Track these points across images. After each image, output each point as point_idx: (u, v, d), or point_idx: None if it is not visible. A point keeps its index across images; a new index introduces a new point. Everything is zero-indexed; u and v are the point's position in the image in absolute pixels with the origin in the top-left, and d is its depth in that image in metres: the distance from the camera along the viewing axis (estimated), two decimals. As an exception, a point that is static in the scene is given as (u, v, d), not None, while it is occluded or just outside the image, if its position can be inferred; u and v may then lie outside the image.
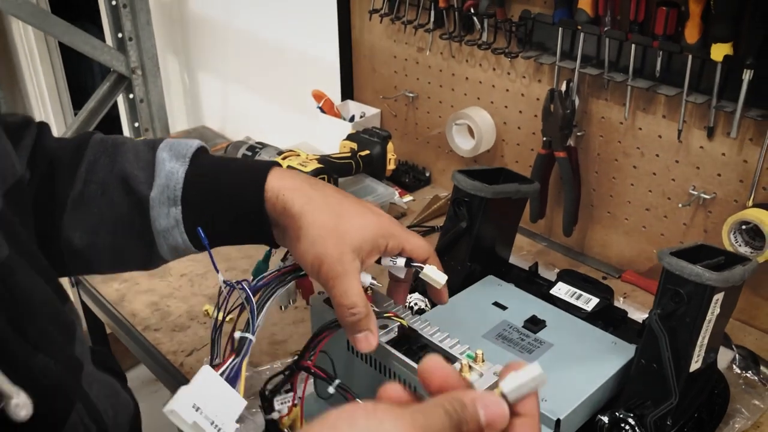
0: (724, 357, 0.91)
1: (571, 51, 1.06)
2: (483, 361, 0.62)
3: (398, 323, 0.66)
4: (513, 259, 1.06)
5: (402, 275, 0.72)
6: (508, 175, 0.97)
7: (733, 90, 0.90)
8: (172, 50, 2.20)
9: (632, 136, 1.06)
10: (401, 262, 0.69)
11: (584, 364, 0.80)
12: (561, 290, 0.93)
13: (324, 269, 0.63)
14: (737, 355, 0.90)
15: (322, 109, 1.41)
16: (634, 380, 0.78)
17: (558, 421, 0.72)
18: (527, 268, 1.01)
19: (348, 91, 1.48)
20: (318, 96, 1.40)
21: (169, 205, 0.67)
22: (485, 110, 1.23)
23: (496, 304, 0.91)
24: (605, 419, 0.76)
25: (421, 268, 0.69)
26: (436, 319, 0.87)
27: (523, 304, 0.90)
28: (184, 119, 2.29)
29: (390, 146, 1.31)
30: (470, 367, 0.61)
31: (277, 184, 0.66)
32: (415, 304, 0.95)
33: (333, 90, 1.48)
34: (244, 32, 1.88)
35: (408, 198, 1.36)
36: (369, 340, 0.63)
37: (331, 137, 1.37)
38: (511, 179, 0.96)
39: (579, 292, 0.92)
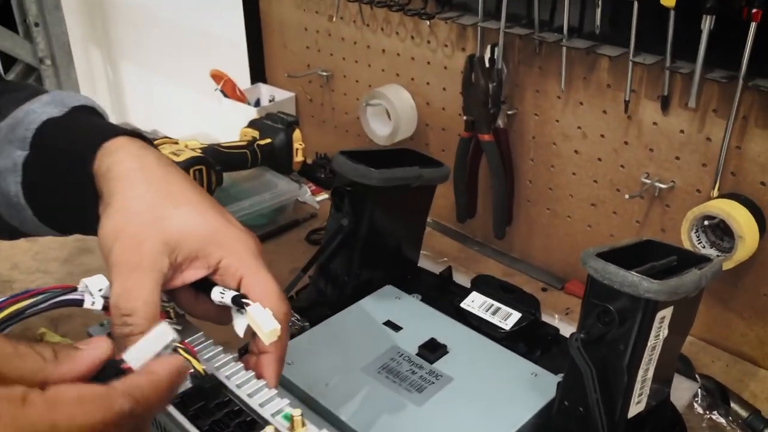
0: (684, 390, 0.70)
1: (497, 11, 0.86)
2: (303, 425, 0.41)
3: (192, 369, 0.45)
4: (432, 267, 0.85)
5: (240, 332, 0.50)
6: (412, 157, 0.77)
7: (690, 45, 0.70)
8: (92, 39, 1.99)
9: (572, 113, 0.86)
10: (228, 296, 0.48)
11: (491, 406, 0.59)
12: (474, 303, 0.72)
13: (116, 251, 0.45)
14: (700, 390, 0.69)
15: (223, 92, 1.20)
16: (556, 429, 0.58)
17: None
18: (439, 273, 0.81)
19: (259, 73, 1.28)
20: (217, 77, 1.19)
21: (14, 146, 0.55)
22: (404, 88, 1.03)
23: (388, 323, 0.70)
24: (514, 484, 0.56)
25: (246, 305, 0.48)
26: (307, 344, 0.67)
27: (422, 323, 0.69)
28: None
29: (297, 134, 1.10)
30: (284, 435, 0.41)
31: (119, 144, 0.53)
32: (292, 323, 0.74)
33: (242, 72, 1.28)
34: (164, 17, 1.67)
35: (323, 196, 1.15)
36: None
37: (233, 125, 1.16)
38: (416, 162, 0.75)
39: (496, 304, 0.71)
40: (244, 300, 0.48)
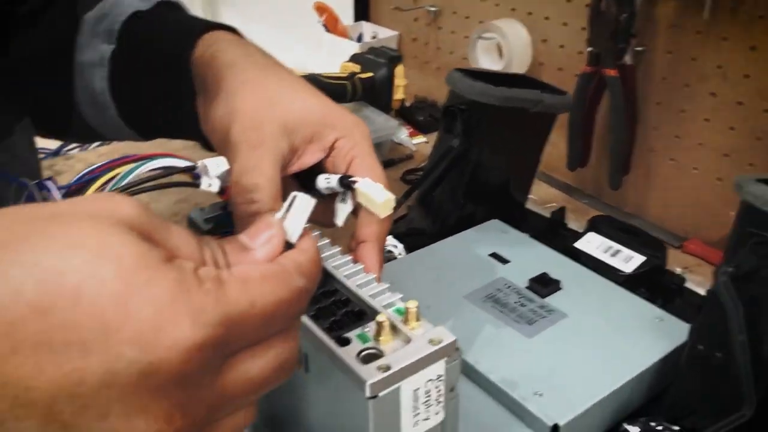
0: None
1: (635, -67, 0.78)
2: (417, 319, 0.37)
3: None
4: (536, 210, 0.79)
5: (341, 220, 0.46)
6: (531, 83, 0.70)
7: None
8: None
9: (713, 50, 0.77)
10: (335, 179, 0.44)
11: (609, 347, 0.53)
12: (591, 243, 0.66)
13: (235, 130, 0.42)
14: None
15: (325, 27, 1.16)
16: (686, 376, 0.51)
17: (555, 427, 0.46)
18: (549, 216, 0.74)
19: (362, 9, 1.23)
20: (320, 9, 1.15)
21: (100, 39, 0.54)
22: (520, 23, 0.96)
23: (494, 256, 0.64)
24: (634, 431, 0.49)
25: (354, 182, 0.43)
26: (406, 267, 0.62)
27: (532, 258, 0.63)
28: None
29: (399, 70, 1.05)
30: (394, 327, 0.36)
31: (218, 36, 0.50)
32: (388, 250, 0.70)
33: (346, 9, 1.24)
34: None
35: (420, 139, 1.10)
36: None
37: (333, 60, 1.12)
38: (535, 87, 0.69)
39: (616, 246, 0.65)
40: (351, 179, 0.44)
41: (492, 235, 0.67)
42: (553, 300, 0.58)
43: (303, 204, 0.35)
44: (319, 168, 0.46)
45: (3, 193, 0.50)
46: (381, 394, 0.34)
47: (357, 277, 0.41)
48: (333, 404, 0.38)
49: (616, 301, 0.58)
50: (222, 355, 0.27)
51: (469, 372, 0.52)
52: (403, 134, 1.08)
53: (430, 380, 0.36)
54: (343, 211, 0.45)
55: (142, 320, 0.24)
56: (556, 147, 0.92)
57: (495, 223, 0.69)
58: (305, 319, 0.38)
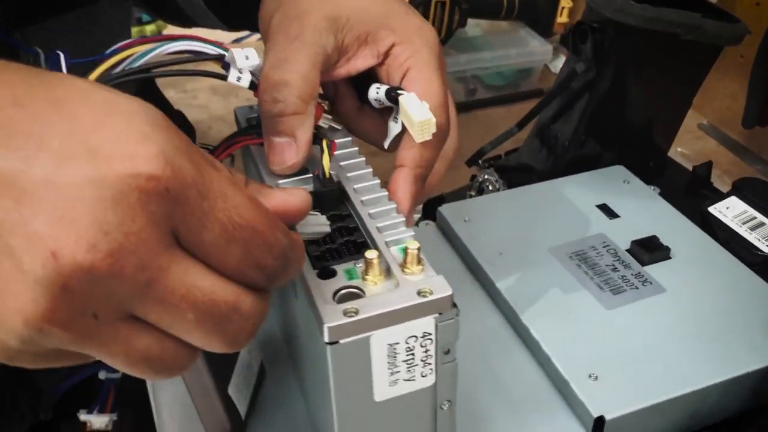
0: None
1: None
2: (418, 264, 0.30)
3: (317, 172, 0.36)
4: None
5: (390, 136, 0.40)
6: (692, 3, 0.57)
7: None
8: None
9: None
10: (384, 90, 0.38)
11: (705, 339, 0.42)
12: (729, 210, 0.53)
13: (275, 20, 0.38)
14: None
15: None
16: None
17: (600, 420, 0.38)
18: (691, 169, 0.62)
19: None
20: None
21: None
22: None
23: (603, 207, 0.54)
24: (712, 448, 0.40)
25: (399, 93, 0.37)
26: (494, 205, 0.55)
27: (648, 217, 0.53)
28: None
29: (567, -13, 0.93)
30: (387, 268, 0.30)
31: None
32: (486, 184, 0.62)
33: None
34: None
35: (581, 68, 0.97)
36: (284, 153, 0.36)
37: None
38: (697, 8, 0.55)
39: (761, 218, 0.52)
40: (399, 91, 0.37)
41: (609, 184, 0.57)
42: (654, 270, 0.48)
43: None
44: (374, 77, 0.40)
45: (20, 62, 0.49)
46: (343, 341, 0.29)
47: (375, 206, 0.35)
48: (310, 340, 0.33)
49: (739, 286, 0.47)
50: (172, 223, 0.23)
51: (524, 336, 0.44)
52: (561, 63, 0.96)
53: (413, 337, 0.30)
54: (392, 130, 0.39)
55: (110, 133, 0.22)
56: (729, 96, 0.77)
57: (617, 170, 0.59)
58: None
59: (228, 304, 0.25)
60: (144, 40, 0.37)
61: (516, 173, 0.61)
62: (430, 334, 0.30)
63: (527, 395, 0.41)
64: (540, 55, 0.90)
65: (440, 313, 0.30)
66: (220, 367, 0.37)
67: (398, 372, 0.31)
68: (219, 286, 0.24)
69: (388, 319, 0.29)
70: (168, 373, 0.25)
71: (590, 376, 0.40)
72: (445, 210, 0.55)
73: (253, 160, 0.39)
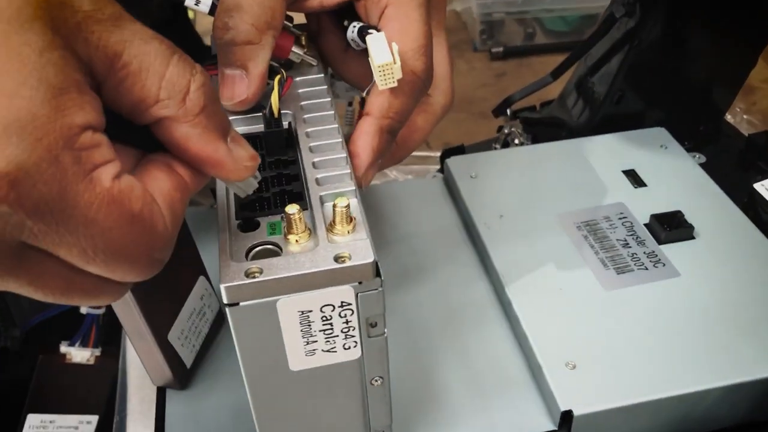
0: None
1: None
2: (348, 223, 0.27)
3: (268, 108, 0.32)
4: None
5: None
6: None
7: None
8: None
9: None
10: (356, 29, 0.34)
11: (711, 337, 0.37)
12: (776, 190, 0.46)
13: None
14: None
15: None
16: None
17: (566, 415, 0.33)
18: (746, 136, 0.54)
19: None
20: None
21: None
22: None
23: (630, 174, 0.48)
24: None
25: (368, 33, 0.33)
26: (505, 161, 0.50)
27: (678, 189, 0.47)
28: None
29: None
30: (311, 226, 0.27)
31: None
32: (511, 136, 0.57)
33: None
34: None
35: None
36: (235, 87, 0.32)
37: None
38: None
39: (811, 203, 0.45)
40: (369, 30, 0.33)
41: (643, 147, 0.51)
42: (672, 250, 0.42)
43: None
44: (354, 14, 0.36)
45: None
46: (244, 303, 0.25)
47: (322, 154, 0.31)
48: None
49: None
50: (20, 237, 0.20)
51: (507, 310, 0.40)
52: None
53: (329, 306, 0.26)
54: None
55: None
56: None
57: (657, 132, 0.52)
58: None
59: (91, 290, 0.22)
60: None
61: (543, 128, 0.56)
62: (349, 304, 0.26)
63: (498, 376, 0.37)
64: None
65: (360, 283, 0.26)
66: (161, 312, 0.35)
67: (315, 342, 0.27)
68: (77, 278, 0.22)
69: (295, 284, 0.25)
70: (89, 302, 0.24)
71: (567, 364, 0.35)
72: (452, 163, 0.50)
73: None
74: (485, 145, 0.61)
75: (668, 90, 0.53)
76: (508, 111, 0.59)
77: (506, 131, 0.58)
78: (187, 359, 0.37)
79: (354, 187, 0.29)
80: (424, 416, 0.35)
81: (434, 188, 0.51)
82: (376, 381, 0.30)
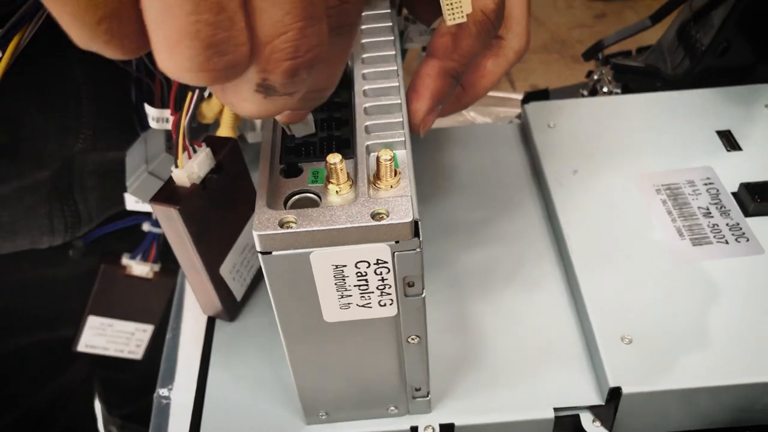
0: None
1: None
2: (393, 176, 0.26)
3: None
4: None
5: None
6: None
7: None
8: None
9: None
10: None
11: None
12: None
13: None
14: None
15: None
16: None
17: (614, 392, 0.32)
18: None
19: None
20: None
21: None
22: None
23: (725, 135, 0.44)
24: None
25: None
26: (598, 113, 0.46)
27: (778, 157, 0.42)
28: None
29: None
30: (350, 181, 0.26)
31: None
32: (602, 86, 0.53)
33: None
34: None
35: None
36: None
37: None
38: None
39: None
40: None
41: (744, 106, 0.46)
42: (759, 224, 0.38)
43: None
44: None
45: None
46: (277, 253, 0.25)
47: (377, 99, 0.29)
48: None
49: None
50: None
51: (568, 272, 0.38)
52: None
53: (364, 262, 0.25)
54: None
55: None
56: None
57: (762, 90, 0.47)
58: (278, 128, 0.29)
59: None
60: None
61: (636, 76, 0.51)
62: (385, 262, 0.25)
63: (546, 341, 0.36)
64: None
65: (397, 242, 0.25)
66: (214, 247, 0.35)
67: (350, 296, 0.27)
68: None
69: (329, 238, 0.25)
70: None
71: (623, 338, 0.33)
72: (531, 109, 0.47)
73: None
74: (572, 91, 0.57)
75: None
76: (600, 55, 0.55)
77: (595, 77, 0.54)
78: (238, 293, 0.38)
79: (404, 138, 0.28)
80: (464, 375, 0.34)
81: (509, 134, 0.48)
82: (413, 339, 0.29)
